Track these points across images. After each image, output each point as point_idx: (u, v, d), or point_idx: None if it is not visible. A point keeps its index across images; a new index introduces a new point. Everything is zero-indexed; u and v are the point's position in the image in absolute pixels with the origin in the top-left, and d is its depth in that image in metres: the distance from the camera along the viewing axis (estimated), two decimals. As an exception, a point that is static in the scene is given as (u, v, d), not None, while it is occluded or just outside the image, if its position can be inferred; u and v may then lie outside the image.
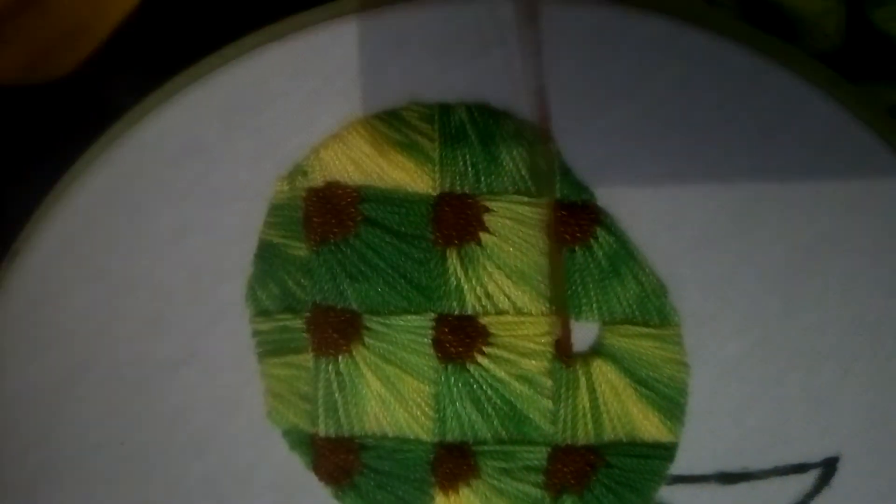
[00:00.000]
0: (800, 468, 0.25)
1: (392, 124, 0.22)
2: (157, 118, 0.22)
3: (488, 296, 0.23)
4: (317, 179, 0.23)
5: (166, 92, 0.22)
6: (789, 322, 0.24)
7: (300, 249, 0.23)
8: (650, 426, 0.24)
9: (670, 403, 0.24)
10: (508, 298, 0.23)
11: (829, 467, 0.25)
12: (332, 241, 0.23)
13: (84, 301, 0.22)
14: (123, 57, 0.26)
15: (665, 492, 0.25)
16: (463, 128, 0.23)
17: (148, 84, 0.22)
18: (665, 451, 0.24)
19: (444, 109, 0.22)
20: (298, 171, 0.23)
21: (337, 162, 0.23)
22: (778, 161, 0.23)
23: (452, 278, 0.23)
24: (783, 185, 0.23)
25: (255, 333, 0.23)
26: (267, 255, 0.23)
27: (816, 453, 0.25)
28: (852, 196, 0.24)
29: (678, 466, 0.24)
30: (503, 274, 0.23)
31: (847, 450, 0.25)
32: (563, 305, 0.23)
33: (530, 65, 0.22)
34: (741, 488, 0.25)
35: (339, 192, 0.23)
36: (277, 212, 0.23)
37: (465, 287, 0.23)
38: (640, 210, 0.23)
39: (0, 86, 0.25)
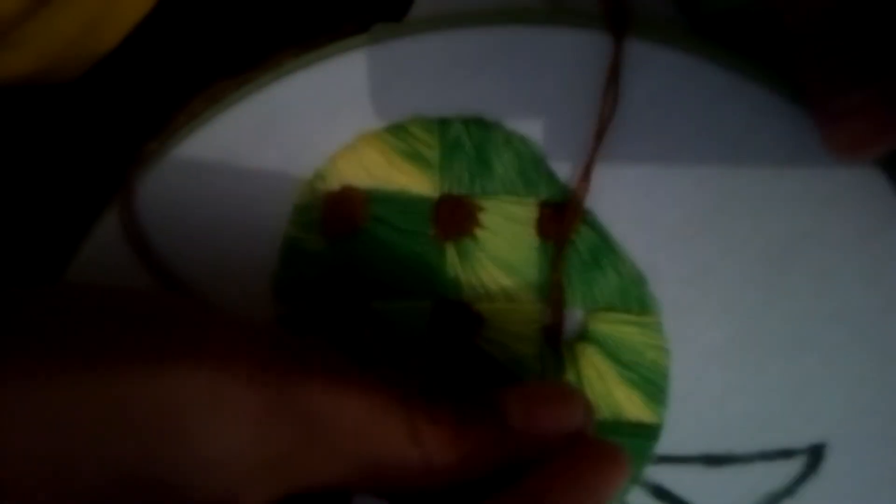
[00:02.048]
0: (786, 454, 0.26)
1: (398, 136, 0.26)
2: (201, 133, 0.26)
3: (482, 285, 0.26)
4: (333, 184, 0.26)
5: (211, 111, 0.26)
6: (768, 313, 0.26)
7: (318, 244, 0.26)
8: (633, 407, 0.26)
9: (652, 386, 0.26)
10: (500, 287, 0.26)
11: (815, 454, 0.26)
12: (345, 236, 0.26)
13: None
14: (132, 62, 0.27)
15: (652, 471, 0.26)
16: (459, 138, 0.26)
17: (155, 88, 0.25)
18: (649, 431, 0.26)
19: (443, 122, 0.26)
20: (318, 176, 0.26)
21: (350, 168, 0.26)
22: (751, 161, 0.25)
23: (450, 269, 0.26)
24: (757, 184, 0.26)
25: (279, 319, 0.26)
26: (290, 250, 0.26)
27: (802, 440, 0.26)
28: (826, 193, 0.25)
29: (663, 447, 0.26)
30: (495, 265, 0.26)
31: (834, 438, 0.26)
32: (559, 296, 0.26)
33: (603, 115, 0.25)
34: (727, 471, 0.26)
35: (352, 194, 0.26)
36: (299, 212, 0.26)
37: (462, 277, 0.26)
38: (620, 207, 0.26)
39: (12, 88, 0.26)
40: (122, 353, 0.18)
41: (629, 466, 0.21)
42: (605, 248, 0.26)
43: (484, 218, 0.26)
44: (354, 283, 0.26)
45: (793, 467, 0.26)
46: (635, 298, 0.26)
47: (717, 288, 0.26)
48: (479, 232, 0.26)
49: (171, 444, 0.18)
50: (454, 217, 0.26)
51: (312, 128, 0.26)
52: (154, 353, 0.18)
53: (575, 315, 0.26)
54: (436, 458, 0.20)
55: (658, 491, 0.26)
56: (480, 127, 0.26)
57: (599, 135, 0.25)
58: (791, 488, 0.26)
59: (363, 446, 0.19)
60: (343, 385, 0.20)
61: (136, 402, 0.18)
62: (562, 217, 0.26)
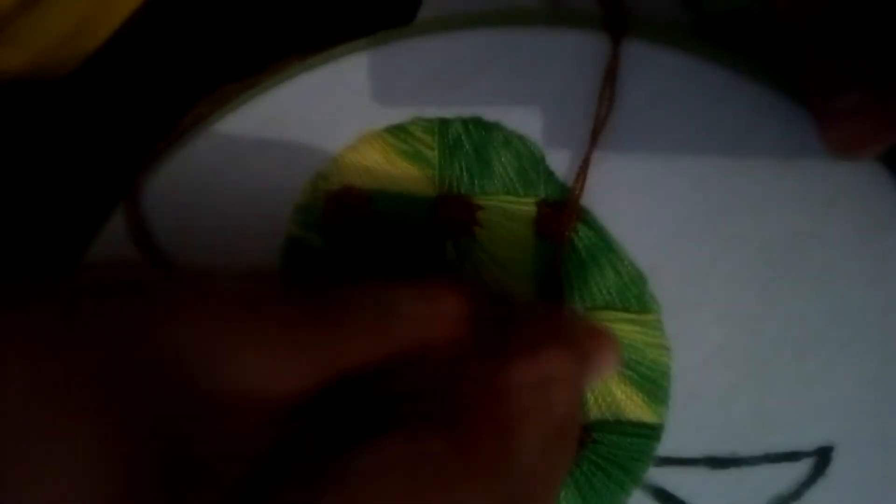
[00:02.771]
0: (792, 456, 0.26)
1: (399, 136, 0.26)
2: (206, 135, 0.27)
3: (482, 283, 0.26)
4: (335, 184, 0.26)
5: (217, 114, 0.27)
6: (770, 312, 0.26)
7: (319, 243, 0.27)
8: (634, 407, 0.26)
9: (653, 385, 0.26)
10: (499, 286, 0.26)
11: (823, 457, 0.26)
12: (346, 235, 0.26)
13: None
14: (125, 57, 0.28)
15: (655, 473, 0.26)
16: (459, 138, 0.26)
17: (149, 84, 0.25)
18: (651, 432, 0.26)
19: (443, 123, 0.26)
20: (319, 177, 0.26)
21: (352, 168, 0.26)
22: (751, 160, 0.25)
23: (450, 268, 0.26)
24: (757, 183, 0.26)
25: (281, 315, 0.27)
26: (292, 249, 0.27)
27: (809, 442, 0.26)
28: (827, 192, 0.25)
29: (666, 449, 0.26)
30: (494, 264, 0.26)
31: (841, 439, 0.25)
32: (559, 295, 0.26)
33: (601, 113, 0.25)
34: (732, 474, 0.26)
35: (354, 194, 0.26)
36: (301, 211, 0.27)
37: (462, 275, 0.26)
38: (620, 206, 0.26)
39: (4, 85, 0.26)
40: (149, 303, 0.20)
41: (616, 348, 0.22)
42: (604, 247, 0.26)
43: (483, 217, 0.26)
44: (355, 283, 0.26)
45: (799, 470, 0.26)
46: (634, 297, 0.26)
47: (717, 287, 0.26)
48: (478, 231, 0.26)
49: (196, 351, 0.19)
50: (454, 216, 0.26)
51: (315, 129, 0.26)
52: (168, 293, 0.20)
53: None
54: (450, 312, 0.21)
55: (660, 494, 0.26)
56: (480, 127, 0.26)
57: (595, 134, 0.26)
58: (798, 491, 0.26)
59: (384, 314, 0.21)
60: (355, 281, 0.21)
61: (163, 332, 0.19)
62: (561, 216, 0.26)
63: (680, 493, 0.26)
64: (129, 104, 0.27)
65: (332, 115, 0.26)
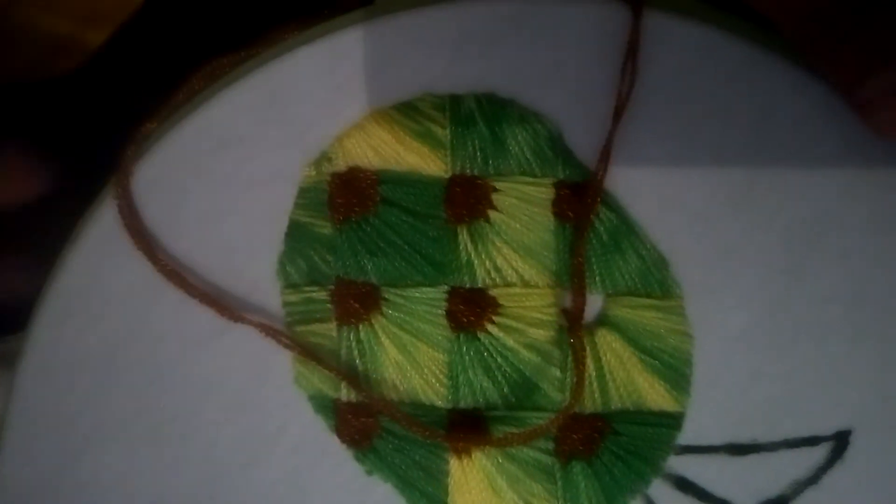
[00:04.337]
0: (811, 441, 0.25)
1: (407, 114, 0.25)
2: (199, 113, 0.25)
3: (497, 269, 0.25)
4: (340, 165, 0.25)
5: (210, 90, 0.25)
6: (792, 295, 0.25)
7: (325, 228, 0.25)
8: (656, 395, 0.25)
9: (676, 373, 0.25)
10: (516, 271, 0.25)
11: (841, 441, 0.25)
12: (353, 220, 0.25)
13: (130, 279, 0.25)
14: (127, 53, 0.27)
15: (674, 462, 0.25)
16: (472, 115, 0.25)
17: (151, 80, 0.24)
18: (672, 421, 0.25)
19: (455, 99, 0.25)
20: (324, 157, 0.25)
21: (358, 149, 0.25)
22: (775, 140, 0.25)
23: (463, 253, 0.25)
24: (779, 166, 0.25)
25: (285, 304, 0.25)
26: (295, 234, 0.25)
27: (827, 426, 0.25)
28: (849, 176, 0.25)
29: (687, 437, 0.25)
30: (510, 248, 0.25)
31: (859, 424, 0.25)
32: (581, 280, 0.25)
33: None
34: (751, 460, 0.25)
35: (360, 175, 0.25)
36: (305, 194, 0.25)
37: (476, 261, 0.25)
38: (640, 188, 0.25)
39: (7, 82, 0.26)
40: None
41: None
42: (626, 230, 0.25)
43: (498, 199, 0.25)
44: (364, 268, 0.25)
45: (818, 455, 0.25)
46: (657, 282, 0.25)
47: (739, 270, 0.25)
48: (493, 214, 0.25)
49: None
50: (467, 199, 0.25)
51: (317, 106, 0.25)
52: None
53: (594, 300, 0.25)
54: None
55: (681, 482, 0.25)
56: (494, 104, 0.24)
57: (618, 112, 0.24)
58: (816, 476, 0.25)
59: None
60: None
61: None
62: (580, 198, 0.25)
63: (700, 480, 0.25)
64: (132, 100, 0.25)
65: (335, 91, 0.25)
